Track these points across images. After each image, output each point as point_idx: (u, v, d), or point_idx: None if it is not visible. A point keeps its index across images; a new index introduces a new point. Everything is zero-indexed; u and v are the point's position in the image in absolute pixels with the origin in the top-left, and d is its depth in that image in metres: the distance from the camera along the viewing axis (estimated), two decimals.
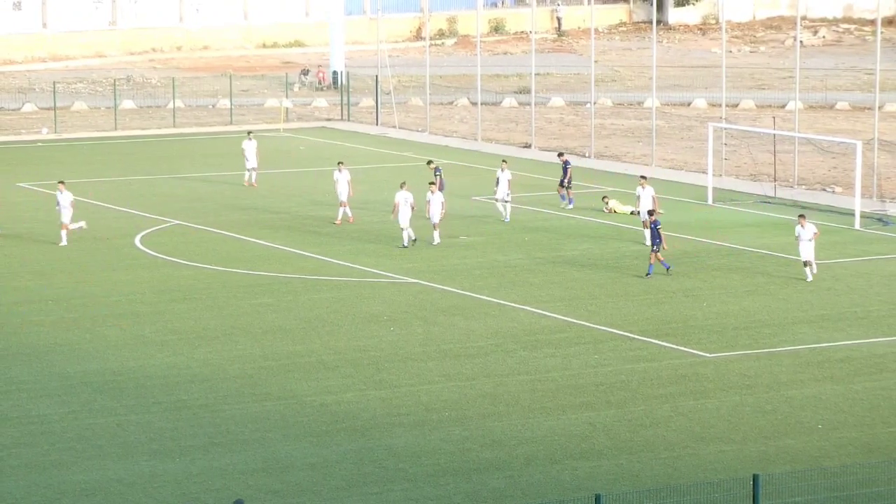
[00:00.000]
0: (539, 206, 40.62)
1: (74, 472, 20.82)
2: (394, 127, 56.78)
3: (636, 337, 27.53)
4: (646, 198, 35.26)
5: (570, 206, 39.74)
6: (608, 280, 32.05)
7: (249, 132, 45.94)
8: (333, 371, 25.49)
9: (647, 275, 31.46)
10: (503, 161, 38.59)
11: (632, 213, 39.35)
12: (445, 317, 28.99)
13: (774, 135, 44.16)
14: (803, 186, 43.40)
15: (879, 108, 46.00)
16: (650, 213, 32.67)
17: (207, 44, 77.08)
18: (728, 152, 46.95)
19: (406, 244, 34.71)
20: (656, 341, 27.17)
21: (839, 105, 59.04)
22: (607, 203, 39.92)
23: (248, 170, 43.48)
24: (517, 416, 23.04)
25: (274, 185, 44.09)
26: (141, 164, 48.47)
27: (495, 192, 38.05)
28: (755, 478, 17.64)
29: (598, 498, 16.89)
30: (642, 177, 36.66)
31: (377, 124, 57.62)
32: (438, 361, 26.01)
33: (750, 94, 61.14)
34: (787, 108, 54.84)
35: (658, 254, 31.55)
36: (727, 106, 50.63)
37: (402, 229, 34.75)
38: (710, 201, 40.98)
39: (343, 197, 37.52)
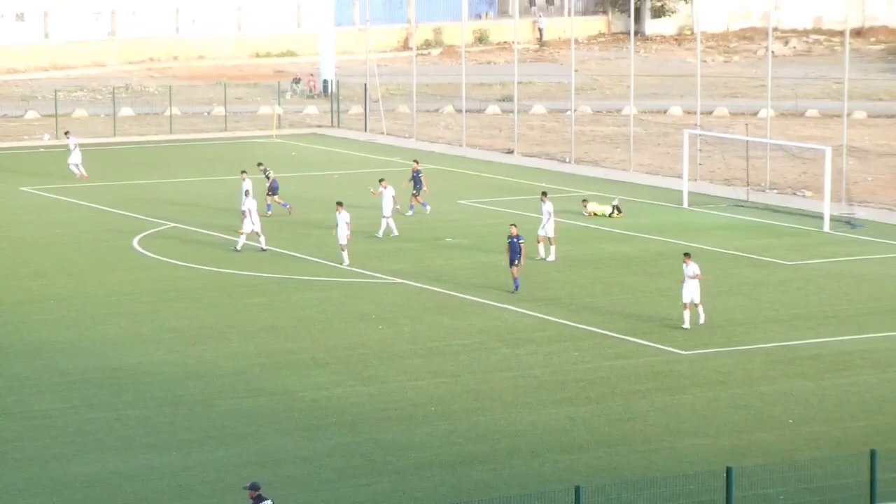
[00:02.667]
0: (522, 210, 41.33)
1: (75, 464, 21.17)
2: (382, 133, 57.38)
3: (615, 335, 27.94)
4: (551, 212, 34.09)
5: (410, 213, 39.08)
6: (588, 280, 32.52)
7: (67, 132, 48.20)
8: (324, 368, 25.87)
9: (515, 289, 30.61)
10: (381, 180, 37.20)
11: (611, 214, 40.08)
12: (431, 316, 29.38)
13: (747, 141, 44.51)
14: (775, 190, 43.89)
15: (848, 115, 46.52)
16: (513, 226, 31.19)
17: (203, 53, 77.76)
18: (703, 158, 47.40)
19: (238, 248, 34.82)
20: (634, 339, 27.62)
21: (809, 113, 59.68)
22: (586, 206, 40.53)
23: (73, 164, 45.57)
24: (500, 411, 23.44)
25: (266, 189, 44.66)
26: (139, 169, 49.10)
27: (382, 209, 36.59)
28: (728, 470, 18.19)
29: (577, 489, 17.39)
30: (543, 193, 35.30)
31: (366, 131, 58.20)
32: (425, 359, 26.41)
33: (724, 102, 61.67)
34: (760, 115, 55.16)
35: (516, 269, 30.54)
36: (702, 113, 51.38)
37: (243, 233, 34.98)
38: (685, 205, 41.44)
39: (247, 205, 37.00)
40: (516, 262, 30.64)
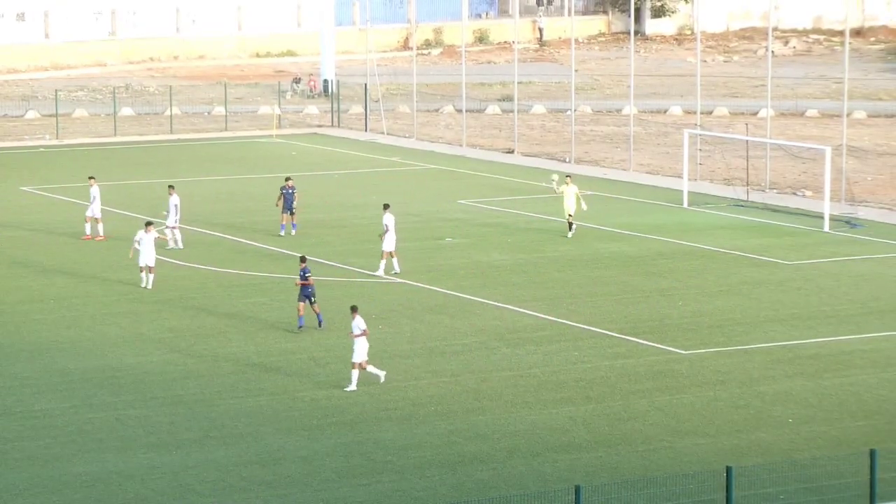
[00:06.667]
0: (522, 210, 41.39)
1: (75, 464, 21.27)
2: (382, 133, 57.63)
3: (615, 335, 28.07)
4: (390, 225, 32.25)
5: (294, 232, 36.60)
6: (588, 280, 32.64)
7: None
8: (324, 367, 25.99)
9: (300, 327, 27.93)
10: (170, 187, 36.09)
11: (570, 226, 37.10)
12: (431, 315, 29.53)
13: (747, 141, 44.67)
14: (774, 190, 44.11)
15: (847, 115, 46.85)
16: (302, 259, 28.63)
17: (203, 53, 78.19)
18: (703, 157, 47.60)
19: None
20: (634, 339, 27.75)
21: (809, 112, 59.94)
22: (564, 183, 37.04)
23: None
24: (500, 411, 23.54)
25: (266, 189, 44.82)
26: (139, 168, 49.27)
27: (165, 218, 35.21)
28: (728, 470, 18.23)
29: (577, 489, 17.46)
30: (385, 205, 33.06)
31: (366, 130, 58.48)
32: (425, 358, 26.54)
33: (724, 101, 61.95)
34: (760, 115, 55.40)
35: (314, 305, 27.78)
36: (702, 113, 51.68)
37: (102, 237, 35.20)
38: (685, 204, 41.61)
39: (96, 213, 36.45)
40: (312, 298, 27.96)
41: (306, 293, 28.02)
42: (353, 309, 24.99)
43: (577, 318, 29.32)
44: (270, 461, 21.33)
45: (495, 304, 30.48)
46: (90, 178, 37.71)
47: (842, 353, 26.90)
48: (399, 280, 32.71)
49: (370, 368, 24.83)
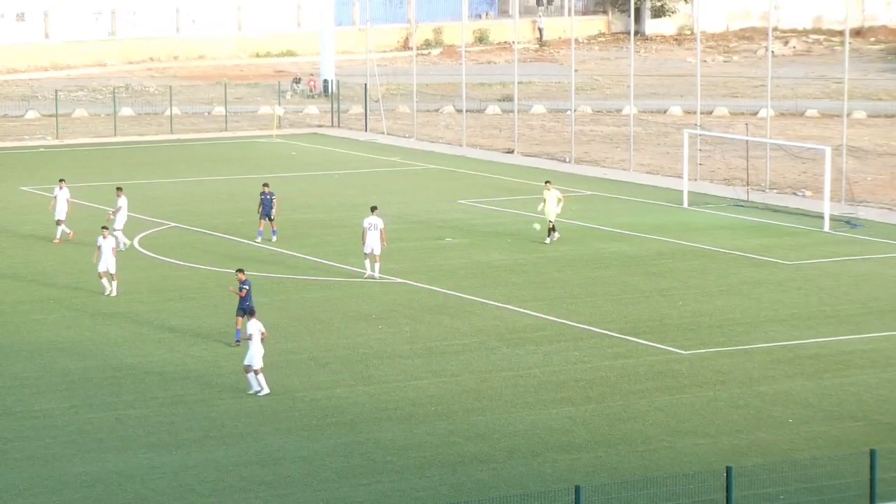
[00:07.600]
0: (522, 210, 41.44)
1: (75, 464, 21.22)
2: (382, 133, 57.70)
3: (615, 335, 28.06)
4: (367, 227, 31.60)
5: (274, 238, 36.14)
6: (588, 280, 32.65)
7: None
8: (324, 367, 25.99)
9: (238, 342, 26.57)
10: (118, 189, 35.62)
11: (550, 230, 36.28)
12: (431, 315, 29.52)
13: (747, 141, 44.70)
14: (774, 190, 44.16)
15: (847, 115, 46.86)
16: (239, 271, 27.39)
17: (203, 53, 78.25)
18: (703, 157, 47.72)
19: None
20: (634, 339, 27.74)
21: (809, 112, 60.01)
22: (549, 190, 36.19)
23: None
24: (500, 411, 23.52)
25: None
26: (139, 168, 49.26)
27: (113, 222, 34.41)
28: (728, 470, 18.15)
29: (577, 489, 17.38)
30: (372, 207, 32.49)
31: (366, 130, 58.56)
32: (425, 358, 26.52)
33: (723, 101, 62.04)
34: (760, 115, 55.49)
35: (243, 318, 26.25)
36: (702, 113, 51.72)
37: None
38: (685, 204, 41.65)
39: (61, 215, 36.05)
40: (253, 311, 26.06)
41: (244, 307, 26.77)
42: (250, 314, 24.58)
43: (577, 318, 29.33)
44: (270, 461, 21.30)
45: (495, 304, 30.46)
46: (60, 180, 37.32)
47: (842, 353, 26.88)
48: (399, 280, 32.71)
49: (259, 377, 24.17)
